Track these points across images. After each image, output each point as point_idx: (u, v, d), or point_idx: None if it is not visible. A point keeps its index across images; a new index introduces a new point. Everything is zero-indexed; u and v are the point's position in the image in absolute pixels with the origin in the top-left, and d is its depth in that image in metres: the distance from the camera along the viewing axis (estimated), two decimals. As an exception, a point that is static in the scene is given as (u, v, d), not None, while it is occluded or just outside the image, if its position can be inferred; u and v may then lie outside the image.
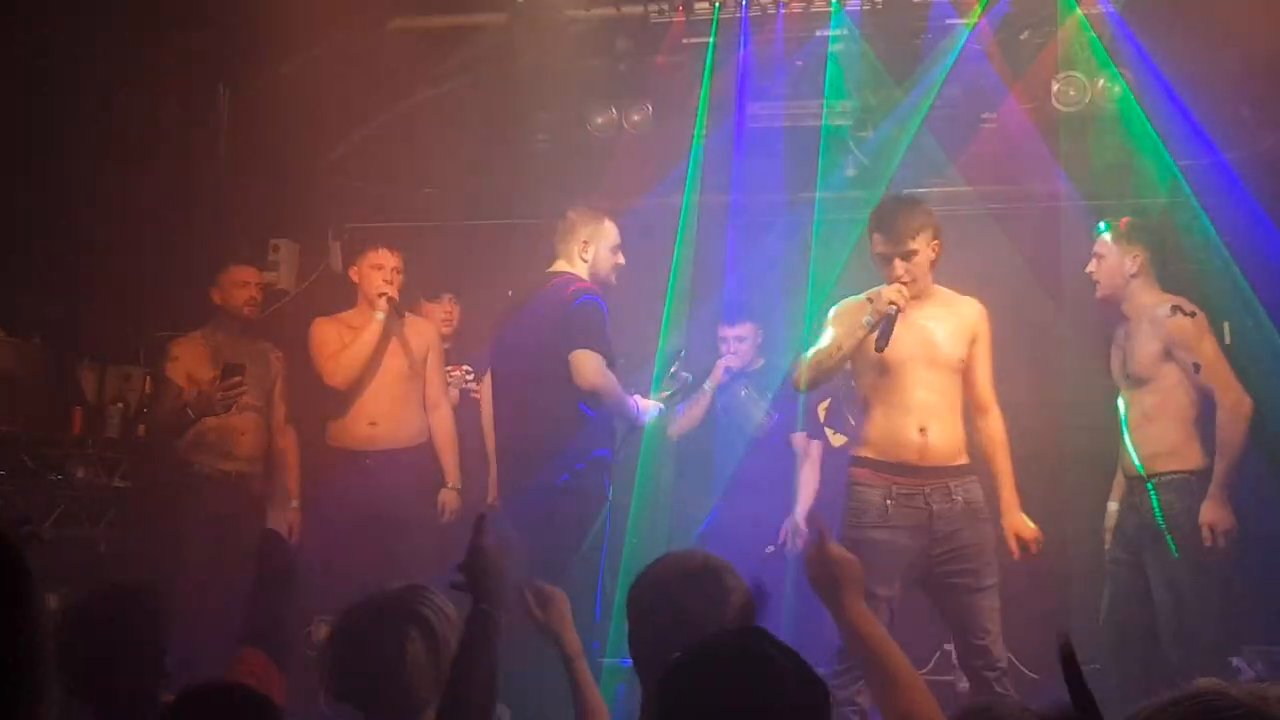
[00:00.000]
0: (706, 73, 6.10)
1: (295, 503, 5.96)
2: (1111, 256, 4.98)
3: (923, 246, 4.53)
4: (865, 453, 4.60)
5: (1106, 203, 5.96)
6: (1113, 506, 5.16)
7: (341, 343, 5.80)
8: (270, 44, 6.03)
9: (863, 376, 4.67)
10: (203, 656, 3.34)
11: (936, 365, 4.57)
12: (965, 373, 4.63)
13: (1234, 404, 4.79)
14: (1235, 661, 5.52)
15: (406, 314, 6.03)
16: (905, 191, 5.24)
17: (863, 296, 4.66)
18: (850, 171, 6.27)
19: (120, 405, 6.28)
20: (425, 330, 6.06)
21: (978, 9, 5.90)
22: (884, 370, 4.55)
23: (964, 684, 5.79)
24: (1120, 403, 5.05)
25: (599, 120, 6.35)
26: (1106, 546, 5.12)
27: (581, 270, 5.16)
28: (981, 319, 4.69)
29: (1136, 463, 4.92)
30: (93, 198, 5.96)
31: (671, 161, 6.21)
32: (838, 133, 6.20)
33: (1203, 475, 4.80)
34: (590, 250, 5.17)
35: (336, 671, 2.52)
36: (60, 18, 5.56)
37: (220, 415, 5.70)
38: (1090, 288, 5.29)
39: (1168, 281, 5.59)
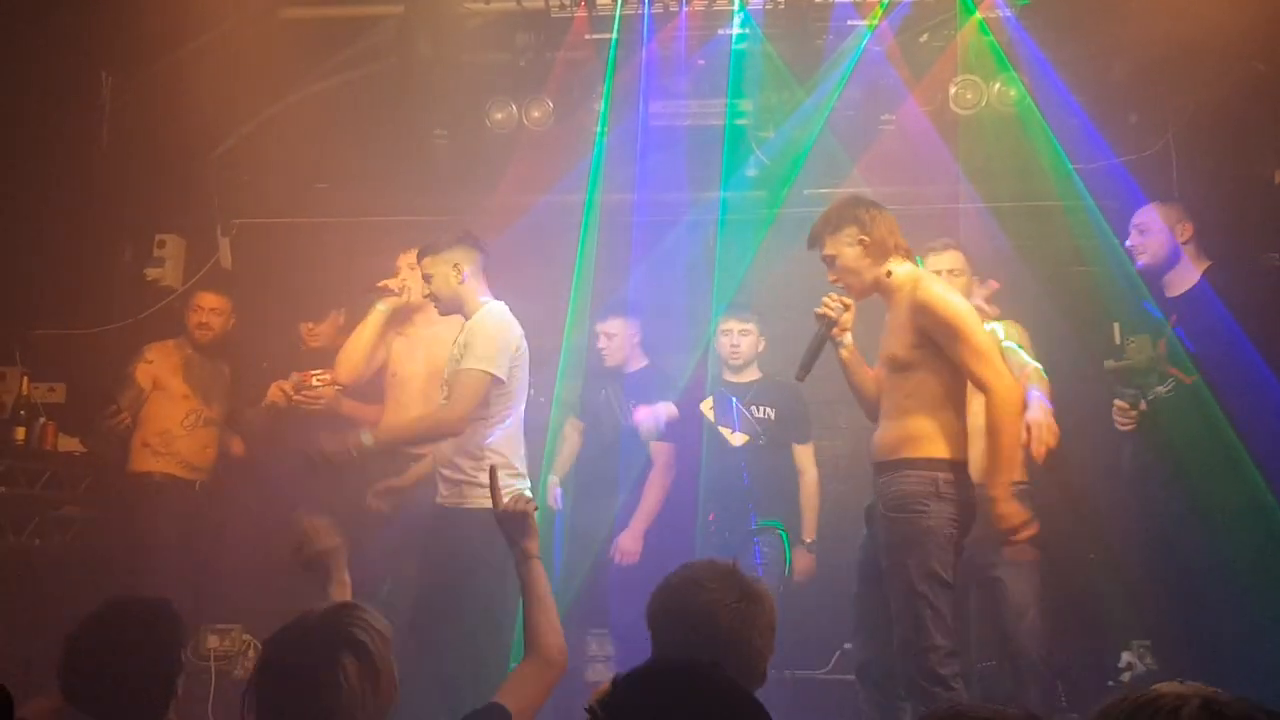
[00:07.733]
0: (609, 69, 6.03)
1: None
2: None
3: (842, 248, 4.04)
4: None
5: (1004, 204, 6.05)
6: None
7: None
8: (156, 31, 5.80)
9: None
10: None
11: None
12: None
13: None
14: (1125, 656, 5.64)
15: None
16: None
17: None
18: (752, 172, 6.24)
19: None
20: None
21: (878, 11, 5.93)
22: None
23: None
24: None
25: (498, 116, 6.21)
26: None
27: None
28: None
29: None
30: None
31: (573, 159, 6.13)
32: (740, 132, 6.17)
33: None
34: None
35: (264, 703, 2.34)
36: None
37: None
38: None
39: (1062, 283, 5.72)
